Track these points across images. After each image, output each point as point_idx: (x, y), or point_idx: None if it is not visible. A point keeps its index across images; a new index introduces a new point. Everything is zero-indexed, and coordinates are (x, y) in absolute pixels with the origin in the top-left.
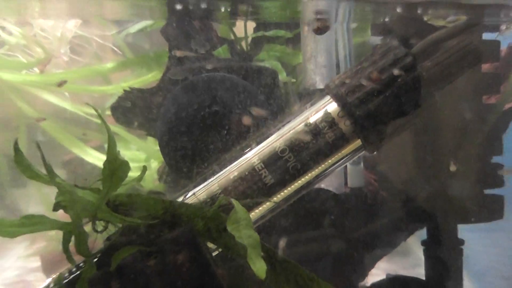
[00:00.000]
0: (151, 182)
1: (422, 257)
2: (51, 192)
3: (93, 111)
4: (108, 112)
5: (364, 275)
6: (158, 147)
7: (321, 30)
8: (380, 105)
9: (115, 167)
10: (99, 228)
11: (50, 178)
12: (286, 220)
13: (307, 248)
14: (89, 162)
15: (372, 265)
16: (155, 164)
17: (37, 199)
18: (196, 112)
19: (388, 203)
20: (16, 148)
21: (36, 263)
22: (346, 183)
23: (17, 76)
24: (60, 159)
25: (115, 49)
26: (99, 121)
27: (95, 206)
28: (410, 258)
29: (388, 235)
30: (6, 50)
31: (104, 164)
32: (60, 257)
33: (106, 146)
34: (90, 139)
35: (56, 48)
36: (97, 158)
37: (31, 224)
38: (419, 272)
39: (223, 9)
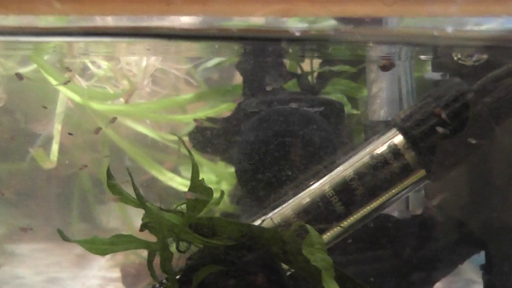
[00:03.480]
0: (223, 204)
1: (473, 279)
2: (128, 208)
3: (170, 137)
4: (185, 138)
5: None
6: (228, 171)
7: (387, 67)
8: (443, 138)
9: (199, 193)
10: (182, 249)
11: (140, 202)
12: (353, 243)
13: (372, 268)
14: (163, 181)
15: (430, 286)
16: (225, 186)
17: (116, 215)
18: (271, 141)
19: (446, 228)
20: (109, 174)
21: (116, 274)
22: (408, 208)
23: (104, 106)
24: (139, 179)
25: (192, 81)
26: (175, 146)
27: (179, 228)
28: (463, 280)
29: (445, 258)
30: (95, 82)
31: (189, 190)
32: (138, 270)
33: (178, 168)
34: (165, 161)
35: (139, 81)
36: (169, 178)
37: (121, 243)
38: None
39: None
